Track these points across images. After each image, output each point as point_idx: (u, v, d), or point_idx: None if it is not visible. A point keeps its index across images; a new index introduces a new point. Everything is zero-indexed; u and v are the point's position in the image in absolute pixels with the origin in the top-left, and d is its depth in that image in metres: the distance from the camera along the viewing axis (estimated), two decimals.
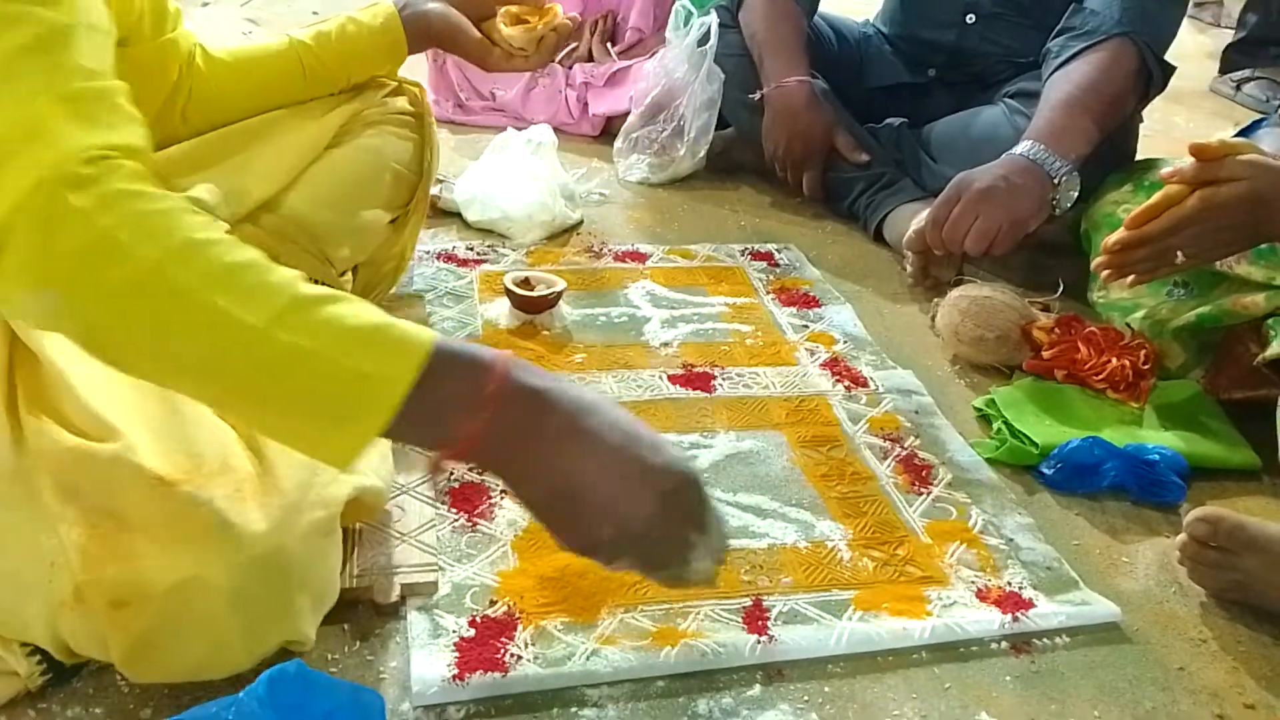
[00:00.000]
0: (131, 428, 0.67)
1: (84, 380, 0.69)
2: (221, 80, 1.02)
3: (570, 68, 1.94)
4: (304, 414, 0.55)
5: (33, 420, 0.67)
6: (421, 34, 1.10)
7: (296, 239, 1.02)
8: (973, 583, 0.87)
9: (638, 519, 0.58)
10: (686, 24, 1.68)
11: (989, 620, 0.83)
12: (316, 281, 0.99)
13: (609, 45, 1.99)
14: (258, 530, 0.65)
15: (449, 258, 1.36)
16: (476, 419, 0.55)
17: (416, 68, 1.85)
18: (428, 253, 1.36)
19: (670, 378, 1.13)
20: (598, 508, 0.58)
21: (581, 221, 1.52)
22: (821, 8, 1.69)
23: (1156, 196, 1.00)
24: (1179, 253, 1.00)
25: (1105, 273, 1.06)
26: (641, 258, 1.42)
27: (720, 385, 1.12)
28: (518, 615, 0.79)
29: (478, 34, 1.12)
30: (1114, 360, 1.13)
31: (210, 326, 0.53)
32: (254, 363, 0.54)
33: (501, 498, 0.91)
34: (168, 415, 0.70)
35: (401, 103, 1.15)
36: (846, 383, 1.15)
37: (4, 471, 0.65)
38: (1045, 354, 1.16)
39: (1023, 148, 1.28)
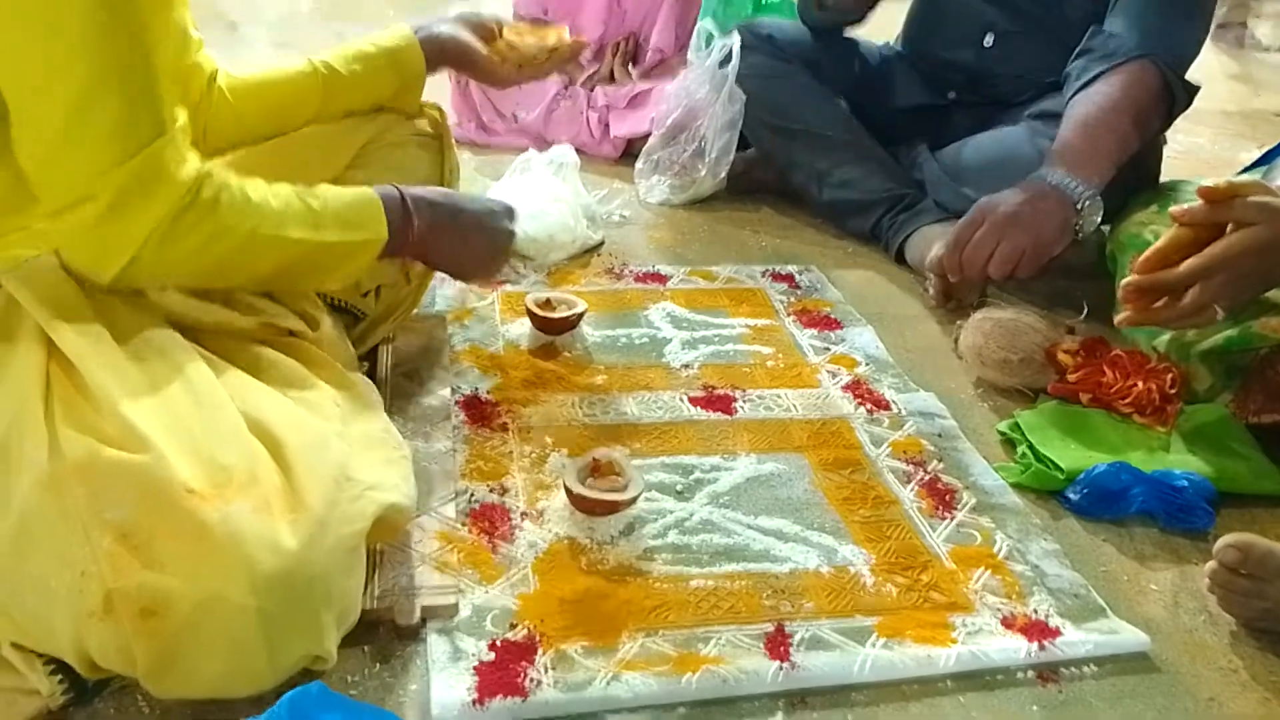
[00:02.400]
0: (164, 439, 0.68)
1: (118, 392, 0.70)
2: (242, 100, 1.04)
3: (592, 89, 1.96)
4: (336, 270, 0.89)
5: (67, 430, 0.67)
6: (436, 54, 1.13)
7: None
8: (998, 610, 0.86)
9: (499, 247, 1.03)
10: (708, 45, 1.69)
11: (1015, 648, 0.82)
12: (337, 305, 1.02)
13: (630, 67, 2.01)
14: (285, 545, 0.66)
15: None
16: (411, 235, 0.92)
17: (440, 90, 1.87)
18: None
19: (691, 399, 1.12)
20: (480, 250, 1.01)
21: (603, 242, 1.52)
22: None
23: (1163, 239, 0.99)
24: (1217, 308, 0.97)
25: (1125, 320, 1.04)
26: (662, 279, 1.42)
27: (741, 407, 1.12)
28: (538, 639, 0.78)
29: (486, 52, 1.16)
30: (1140, 384, 1.12)
31: (284, 249, 0.83)
32: (310, 258, 0.85)
33: (522, 520, 0.91)
34: (199, 427, 0.70)
35: (422, 124, 1.16)
36: (869, 405, 1.14)
37: (39, 480, 0.66)
38: (1070, 377, 1.15)
39: (1045, 171, 1.27)
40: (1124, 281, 1.02)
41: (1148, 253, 1.00)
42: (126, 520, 0.64)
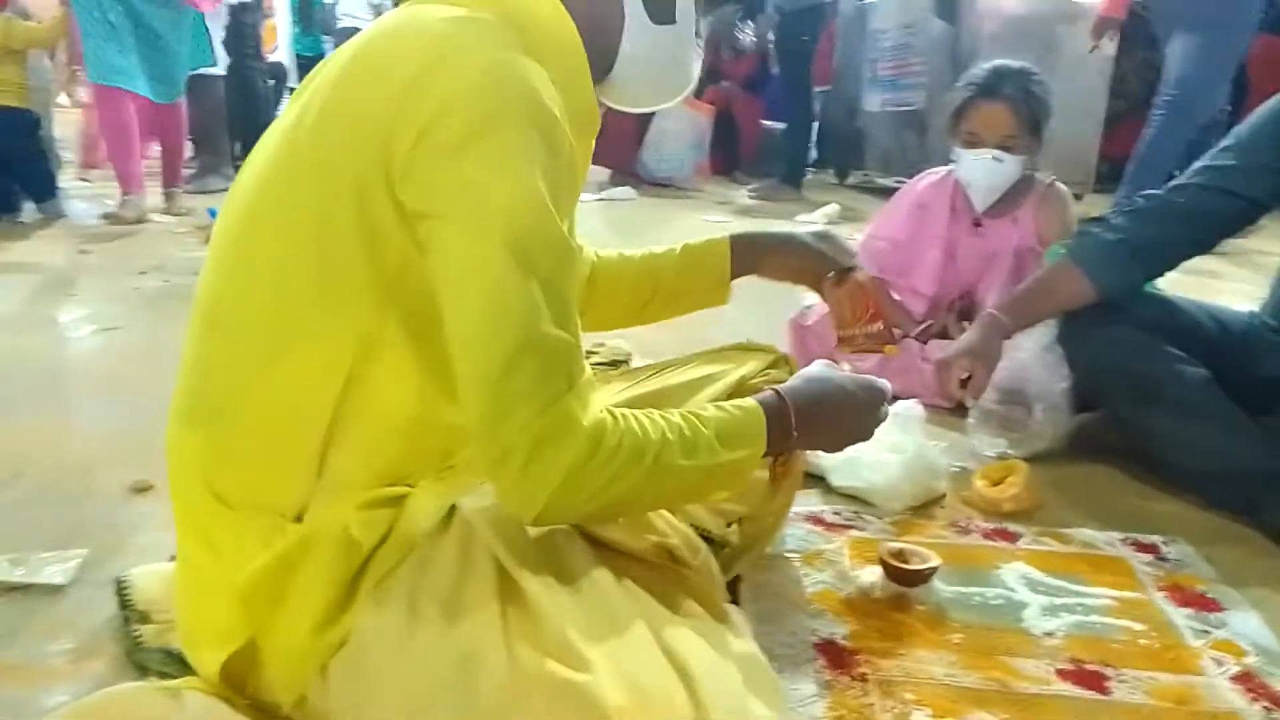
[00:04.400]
0: (598, 660, 0.76)
1: (556, 613, 0.80)
2: (603, 279, 1.21)
3: (926, 343, 2.03)
4: (721, 489, 0.93)
5: (522, 644, 0.78)
6: (746, 252, 1.22)
7: None
8: None
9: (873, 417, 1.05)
10: None
11: None
12: (705, 536, 1.09)
13: (965, 324, 2.06)
14: None
15: (817, 520, 1.43)
16: (790, 439, 0.96)
17: (779, 334, 2.02)
18: (796, 514, 1.43)
19: (1059, 672, 1.08)
20: (853, 426, 1.04)
21: (945, 495, 1.53)
22: (1204, 299, 1.67)
23: None
24: None
25: None
26: (1011, 537, 1.40)
27: (1115, 688, 1.06)
28: None
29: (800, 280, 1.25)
30: None
31: (675, 477, 0.86)
32: (698, 482, 0.89)
33: None
34: (620, 648, 0.78)
35: (779, 373, 1.24)
36: (1265, 703, 1.04)
37: (501, 685, 0.76)
38: None
39: None
40: None
41: None
42: None
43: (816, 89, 5.59)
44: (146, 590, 1.10)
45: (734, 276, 1.23)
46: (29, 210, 4.12)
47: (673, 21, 0.98)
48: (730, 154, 6.31)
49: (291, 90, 7.77)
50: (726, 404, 0.93)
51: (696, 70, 1.05)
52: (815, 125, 6.14)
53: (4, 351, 2.24)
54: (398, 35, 0.85)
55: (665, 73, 1.02)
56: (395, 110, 0.79)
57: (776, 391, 0.96)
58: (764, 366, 1.25)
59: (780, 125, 5.81)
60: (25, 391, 2.00)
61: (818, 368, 1.05)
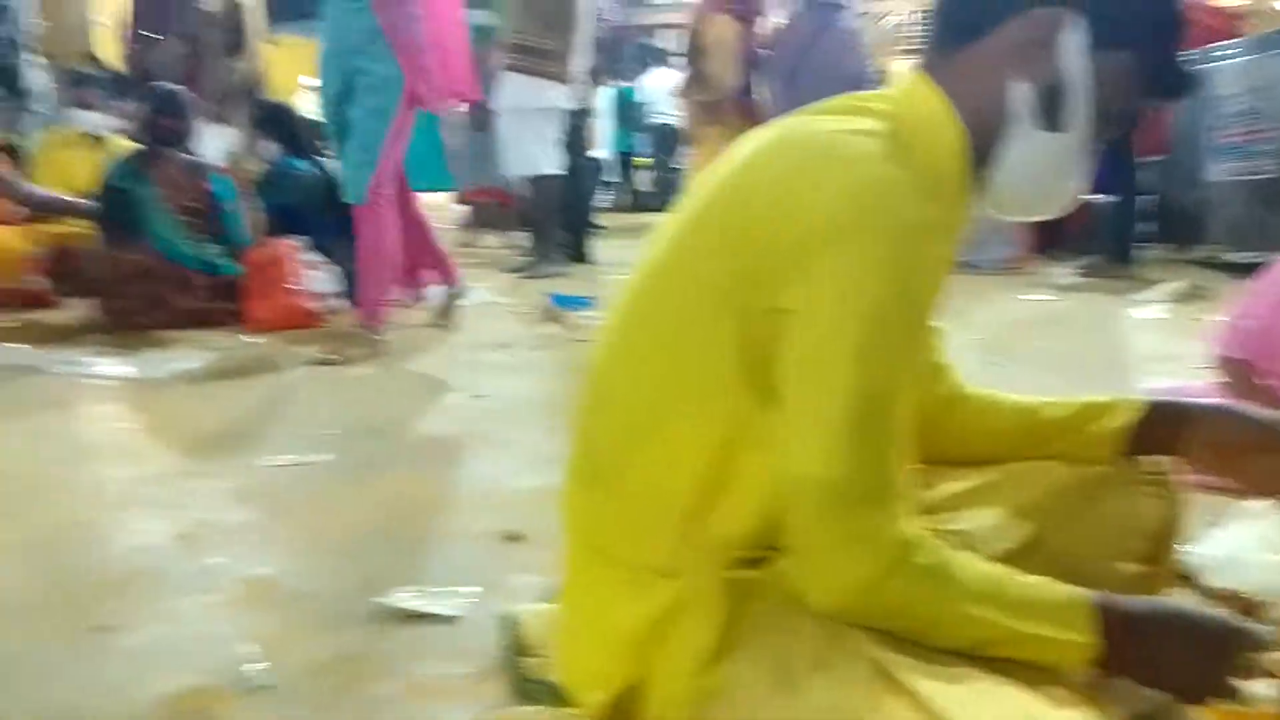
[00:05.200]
0: None
1: (934, 694, 0.80)
2: (964, 413, 1.13)
3: None
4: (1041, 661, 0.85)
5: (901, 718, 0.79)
6: (1166, 423, 1.08)
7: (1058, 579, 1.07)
8: None
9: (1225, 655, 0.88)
10: None
11: None
12: None
13: None
14: None
15: None
16: (1128, 651, 0.85)
17: None
18: None
19: None
20: (1192, 664, 0.87)
21: None
22: None
23: None
24: None
25: None
26: None
27: None
28: None
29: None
30: None
31: (978, 629, 0.84)
32: (1007, 643, 0.84)
33: None
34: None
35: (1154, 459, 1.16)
36: None
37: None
38: None
39: None
40: None
41: None
42: None
43: (1152, 159, 5.19)
44: (531, 627, 1.22)
45: (1139, 451, 1.08)
46: None
47: (1062, 130, 0.92)
48: (1051, 230, 5.96)
49: (608, 184, 8.43)
50: (1057, 586, 0.87)
51: (1080, 188, 0.97)
52: (1147, 197, 5.67)
53: (384, 415, 2.59)
54: (785, 145, 0.93)
55: (1044, 185, 0.96)
56: (774, 216, 0.87)
57: (1119, 602, 0.87)
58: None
59: (1104, 199, 5.43)
60: (406, 448, 2.30)
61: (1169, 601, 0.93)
